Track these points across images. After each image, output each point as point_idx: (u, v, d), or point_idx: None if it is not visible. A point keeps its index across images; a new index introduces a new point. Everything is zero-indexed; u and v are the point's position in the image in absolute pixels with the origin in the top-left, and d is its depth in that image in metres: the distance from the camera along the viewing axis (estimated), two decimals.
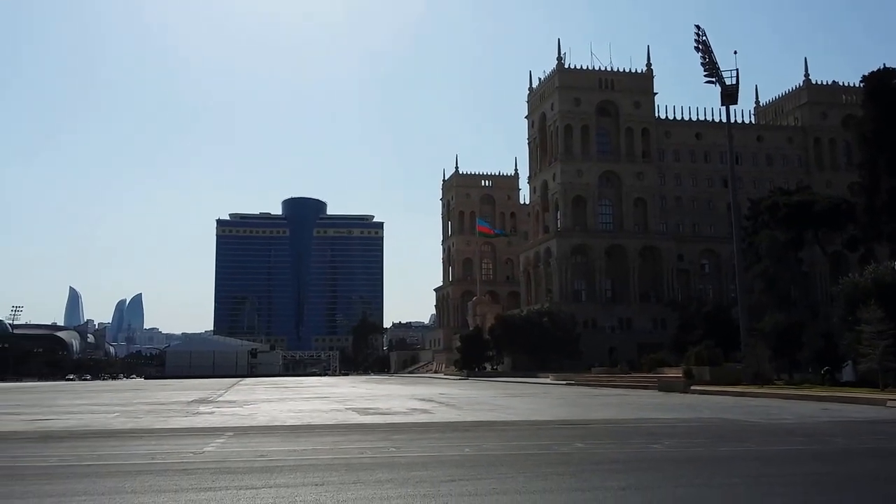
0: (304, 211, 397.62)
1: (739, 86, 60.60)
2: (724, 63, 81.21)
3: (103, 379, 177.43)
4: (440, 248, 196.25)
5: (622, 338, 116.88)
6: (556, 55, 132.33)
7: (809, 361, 50.58)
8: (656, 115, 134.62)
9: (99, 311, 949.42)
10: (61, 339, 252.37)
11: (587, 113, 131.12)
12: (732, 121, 66.06)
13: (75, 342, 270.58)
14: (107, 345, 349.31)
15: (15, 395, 59.66)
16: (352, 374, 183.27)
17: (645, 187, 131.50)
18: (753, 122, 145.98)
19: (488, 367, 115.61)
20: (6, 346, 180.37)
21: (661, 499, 11.16)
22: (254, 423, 26.05)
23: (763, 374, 47.77)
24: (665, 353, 74.37)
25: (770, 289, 66.16)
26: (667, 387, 49.80)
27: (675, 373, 56.55)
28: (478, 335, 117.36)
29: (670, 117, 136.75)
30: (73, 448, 18.65)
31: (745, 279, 62.05)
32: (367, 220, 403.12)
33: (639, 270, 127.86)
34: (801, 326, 52.07)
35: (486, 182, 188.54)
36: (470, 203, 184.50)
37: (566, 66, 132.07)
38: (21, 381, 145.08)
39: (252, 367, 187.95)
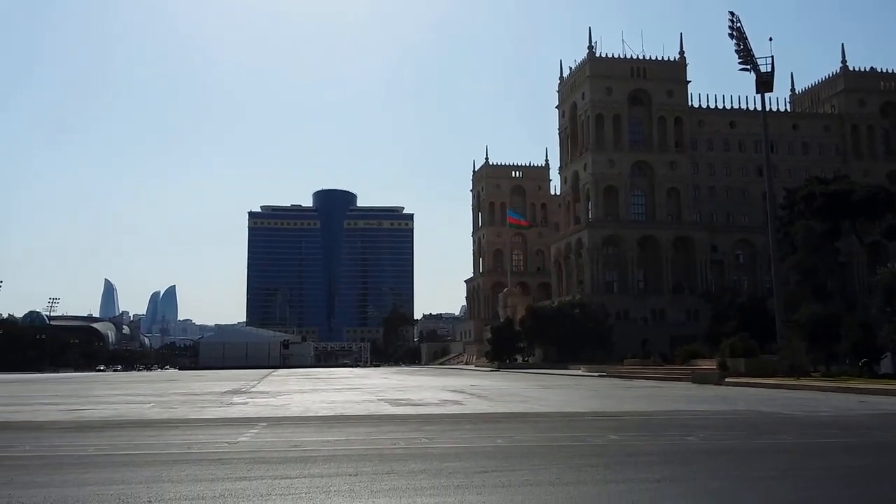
0: (334, 203, 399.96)
1: (774, 73, 59.53)
2: (759, 50, 79.64)
3: (138, 370, 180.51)
4: (470, 239, 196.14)
5: (655, 329, 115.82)
6: (587, 44, 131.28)
7: (847, 353, 49.64)
8: (689, 103, 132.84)
9: (133, 303, 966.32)
10: (97, 330, 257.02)
11: (619, 102, 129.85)
12: (767, 109, 64.90)
13: (111, 333, 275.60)
14: (141, 336, 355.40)
15: (53, 386, 60.90)
16: (383, 366, 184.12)
17: (678, 177, 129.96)
18: (789, 109, 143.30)
19: (519, 359, 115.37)
20: (43, 337, 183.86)
21: (695, 491, 11.02)
22: (287, 414, 26.26)
23: (799, 367, 47.03)
24: (698, 345, 73.40)
25: (806, 280, 65.15)
26: (700, 379, 49.29)
27: (708, 365, 55.90)
28: (509, 327, 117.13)
29: (703, 106, 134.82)
30: (110, 438, 18.96)
31: (781, 270, 61.13)
32: (397, 211, 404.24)
33: (672, 261, 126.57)
34: (839, 318, 51.12)
35: (517, 173, 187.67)
36: (500, 194, 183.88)
37: (597, 54, 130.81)
38: (58, 371, 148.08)
39: (284, 359, 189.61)
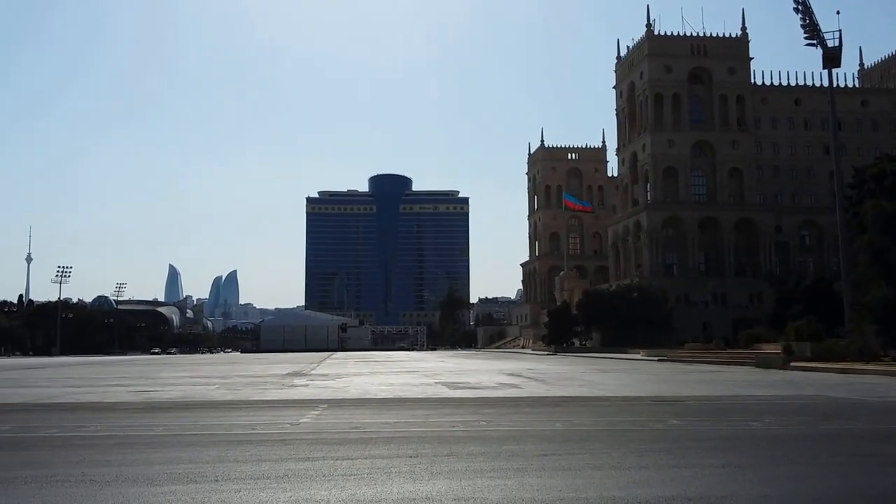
0: (390, 188, 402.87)
1: (842, 48, 57.34)
2: (826, 24, 76.72)
3: (202, 352, 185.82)
4: (526, 222, 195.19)
5: (716, 313, 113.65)
6: (646, 21, 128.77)
7: None
8: (752, 80, 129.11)
9: (196, 288, 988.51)
10: (162, 314, 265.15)
11: (678, 80, 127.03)
12: (835, 85, 62.52)
13: (175, 317, 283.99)
14: (204, 319, 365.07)
15: (121, 368, 62.94)
16: (439, 349, 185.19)
17: (740, 157, 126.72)
18: (857, 85, 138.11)
19: (576, 343, 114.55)
20: (112, 321, 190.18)
21: (762, 477, 10.74)
22: (347, 396, 26.59)
23: (869, 351, 45.50)
24: (762, 329, 71.78)
25: (876, 261, 62.57)
26: (764, 363, 48.14)
27: (773, 349, 54.60)
28: (565, 310, 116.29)
29: (767, 83, 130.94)
30: (177, 418, 19.48)
31: (850, 251, 59.15)
32: (452, 195, 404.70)
33: (734, 243, 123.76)
34: None
35: (573, 155, 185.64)
36: (556, 177, 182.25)
37: (656, 32, 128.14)
38: (125, 354, 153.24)
39: (342, 342, 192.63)
